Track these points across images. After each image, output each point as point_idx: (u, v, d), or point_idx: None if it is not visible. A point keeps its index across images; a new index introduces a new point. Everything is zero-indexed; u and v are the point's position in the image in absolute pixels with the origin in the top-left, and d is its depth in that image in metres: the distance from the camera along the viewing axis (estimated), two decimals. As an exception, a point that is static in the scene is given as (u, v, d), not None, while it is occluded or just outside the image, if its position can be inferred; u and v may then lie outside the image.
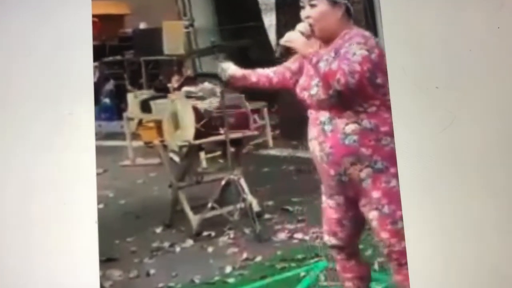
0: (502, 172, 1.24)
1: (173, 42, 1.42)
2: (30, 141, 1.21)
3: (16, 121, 1.22)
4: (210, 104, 1.41)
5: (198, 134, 1.40)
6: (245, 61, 1.41)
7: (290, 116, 1.44)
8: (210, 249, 1.29)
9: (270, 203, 1.36)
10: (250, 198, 1.35)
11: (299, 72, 1.25)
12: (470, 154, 1.24)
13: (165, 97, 1.41)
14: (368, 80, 1.16)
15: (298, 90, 1.24)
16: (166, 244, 1.29)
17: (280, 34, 1.47)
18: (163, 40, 1.41)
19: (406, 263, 1.16)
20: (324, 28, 1.21)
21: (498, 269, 1.19)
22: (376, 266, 1.23)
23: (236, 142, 1.41)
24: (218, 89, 1.40)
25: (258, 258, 1.28)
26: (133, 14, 1.42)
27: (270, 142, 1.45)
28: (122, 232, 1.26)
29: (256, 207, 1.35)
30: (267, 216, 1.35)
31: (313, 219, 1.30)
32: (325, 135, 1.19)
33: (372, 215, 1.18)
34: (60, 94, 1.23)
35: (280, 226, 1.33)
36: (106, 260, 1.19)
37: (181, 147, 1.40)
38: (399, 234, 1.17)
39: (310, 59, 1.19)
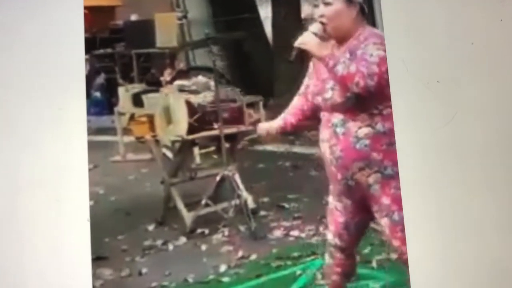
0: (505, 168, 1.25)
1: (165, 34, 1.42)
2: (20, 137, 1.20)
3: (5, 117, 1.21)
4: (204, 98, 1.40)
5: (191, 129, 1.39)
6: (239, 54, 1.42)
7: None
8: (204, 247, 1.28)
9: (266, 199, 1.36)
10: (245, 194, 1.35)
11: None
12: (472, 150, 1.24)
13: (157, 91, 1.40)
14: (386, 81, 1.17)
15: (309, 96, 1.24)
16: (158, 242, 1.28)
17: (276, 26, 1.47)
18: (155, 32, 1.40)
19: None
20: (338, 27, 1.20)
21: (499, 266, 1.19)
22: (374, 264, 1.23)
23: (230, 137, 1.40)
24: (212, 83, 1.40)
25: (253, 256, 1.27)
26: (124, 6, 1.41)
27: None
28: (113, 229, 1.24)
29: (251, 204, 1.34)
30: (262, 213, 1.34)
31: (309, 216, 1.30)
32: (337, 138, 1.18)
33: (383, 222, 1.18)
34: (50, 89, 1.22)
35: (276, 223, 1.33)
36: (97, 259, 1.18)
37: (174, 142, 1.39)
38: None
39: (327, 62, 1.18)
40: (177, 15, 1.44)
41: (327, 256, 1.24)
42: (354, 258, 1.23)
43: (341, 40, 1.21)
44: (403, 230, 1.16)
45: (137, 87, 1.41)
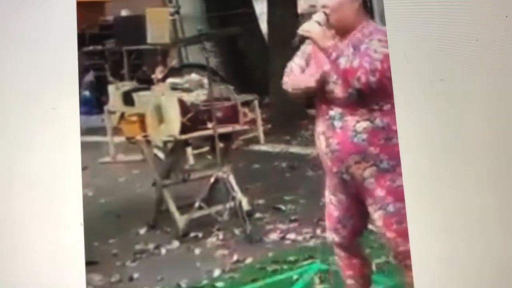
0: (510, 167, 1.24)
1: (157, 30, 1.42)
2: (12, 138, 1.19)
3: (-3, 117, 1.21)
4: (197, 96, 1.40)
5: (184, 129, 1.38)
6: (234, 51, 1.42)
7: (282, 109, 1.44)
8: (197, 251, 1.28)
9: (261, 201, 1.35)
10: (240, 196, 1.34)
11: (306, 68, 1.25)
12: (476, 149, 1.24)
13: (148, 89, 1.40)
14: (388, 79, 1.18)
15: (303, 84, 1.23)
16: (150, 246, 1.28)
17: (272, 22, 1.46)
18: (146, 28, 1.40)
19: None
20: (341, 18, 1.20)
21: (504, 265, 1.19)
22: (373, 268, 1.23)
23: (225, 137, 1.40)
24: (205, 81, 1.40)
25: (249, 260, 1.26)
26: (114, 1, 1.42)
27: (261, 137, 1.45)
28: (103, 233, 1.23)
29: (246, 206, 1.34)
30: (258, 215, 1.34)
31: (306, 218, 1.29)
32: (334, 131, 1.19)
33: (377, 215, 1.18)
34: (43, 88, 1.21)
35: (271, 226, 1.32)
36: (86, 264, 1.16)
37: (166, 142, 1.39)
38: (405, 234, 1.16)
39: (330, 53, 1.18)
40: (169, 11, 1.43)
41: (338, 260, 1.23)
42: (360, 257, 1.22)
43: (344, 32, 1.21)
44: (399, 222, 1.16)
45: (127, 85, 1.41)
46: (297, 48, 1.23)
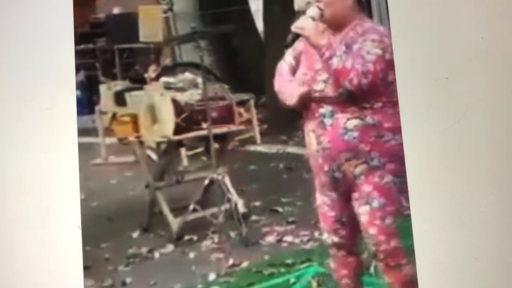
0: None
1: (150, 28, 1.40)
2: (6, 139, 1.19)
3: (-9, 118, 1.21)
4: (191, 96, 1.39)
5: (178, 129, 1.38)
6: (228, 49, 1.41)
7: (279, 109, 1.41)
8: (192, 255, 1.27)
9: (258, 203, 1.35)
10: (235, 198, 1.34)
11: (297, 67, 1.26)
12: (482, 150, 1.24)
13: (141, 88, 1.39)
14: (380, 80, 1.18)
15: (295, 84, 1.24)
16: (143, 250, 1.27)
17: (268, 19, 1.46)
18: (139, 26, 1.39)
19: (397, 266, 1.16)
20: (334, 13, 1.21)
21: (508, 266, 1.19)
22: (372, 270, 1.23)
23: (220, 138, 1.40)
24: (199, 80, 1.39)
25: (245, 264, 1.26)
26: None
27: (258, 138, 1.44)
28: (94, 237, 1.21)
29: (242, 208, 1.34)
30: (254, 218, 1.34)
31: (304, 220, 1.29)
32: (324, 129, 1.20)
33: (362, 210, 1.18)
34: (38, 88, 1.21)
35: (268, 228, 1.32)
36: (79, 268, 1.16)
37: (159, 143, 1.38)
38: (388, 231, 1.17)
39: (323, 52, 1.19)
40: (162, 8, 1.42)
41: (331, 261, 1.23)
42: (356, 255, 1.22)
43: (337, 28, 1.21)
44: (382, 218, 1.17)
45: (119, 85, 1.40)
46: (290, 45, 1.23)
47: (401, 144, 1.20)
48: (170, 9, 1.43)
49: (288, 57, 1.26)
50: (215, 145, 1.37)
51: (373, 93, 1.18)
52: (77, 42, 1.32)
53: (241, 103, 1.42)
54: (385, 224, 1.16)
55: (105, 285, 1.19)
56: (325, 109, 1.20)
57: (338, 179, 1.20)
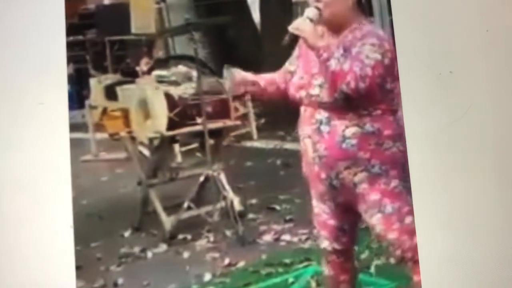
0: None
1: (142, 19, 1.40)
2: None
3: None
4: (184, 90, 1.39)
5: (171, 124, 1.37)
6: (224, 41, 1.40)
7: (276, 103, 1.41)
8: (186, 255, 1.27)
9: (254, 201, 1.34)
10: (231, 196, 1.33)
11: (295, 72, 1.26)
12: (487, 146, 1.24)
13: (133, 82, 1.39)
14: (378, 86, 1.18)
15: (292, 88, 1.24)
16: (135, 250, 1.26)
17: (265, 10, 1.46)
18: (130, 17, 1.38)
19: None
20: (334, 14, 1.20)
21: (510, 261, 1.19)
22: (372, 270, 1.23)
23: (215, 133, 1.39)
24: (193, 73, 1.39)
25: (241, 264, 1.26)
26: None
27: (254, 133, 1.43)
28: (85, 236, 1.20)
29: (238, 206, 1.33)
30: (250, 216, 1.33)
31: (302, 218, 1.28)
32: (321, 136, 1.19)
33: (375, 220, 1.18)
34: (29, 82, 1.20)
35: (265, 227, 1.31)
36: (68, 269, 1.15)
37: (151, 139, 1.37)
38: (409, 230, 1.17)
39: (320, 54, 1.18)
40: None
41: (324, 267, 1.23)
42: (352, 261, 1.23)
43: (336, 30, 1.21)
44: (400, 220, 1.17)
45: (110, 78, 1.39)
46: (288, 46, 1.22)
47: (403, 151, 1.20)
48: (163, 0, 1.43)
49: (290, 66, 1.26)
50: (210, 141, 1.37)
51: (370, 98, 1.17)
52: (67, 34, 1.30)
53: (237, 97, 1.40)
54: (405, 224, 1.17)
55: (96, 286, 1.19)
56: (322, 115, 1.19)
57: (336, 188, 1.19)
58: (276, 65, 1.39)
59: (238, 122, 1.41)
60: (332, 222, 1.22)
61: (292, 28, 1.20)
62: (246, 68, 1.43)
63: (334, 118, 1.18)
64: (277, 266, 1.24)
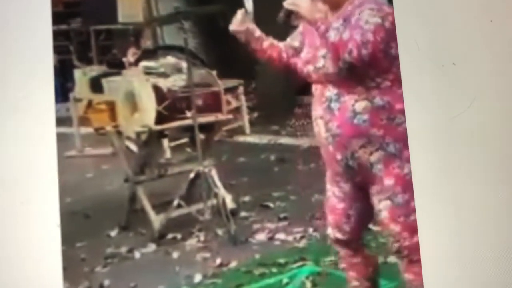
0: None
1: (129, 8, 1.39)
2: None
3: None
4: (174, 82, 1.38)
5: (160, 118, 1.36)
6: (215, 31, 1.38)
7: (270, 96, 1.43)
8: (176, 255, 1.26)
9: (247, 198, 1.34)
10: (223, 193, 1.32)
11: (301, 48, 1.26)
12: (491, 139, 1.24)
13: (119, 74, 1.37)
14: (382, 52, 1.17)
15: (299, 64, 1.24)
16: (122, 250, 1.25)
17: None
18: (117, 5, 1.37)
19: (419, 260, 1.17)
20: None
21: None
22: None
23: (206, 128, 1.38)
24: (183, 64, 1.37)
25: (233, 264, 1.25)
26: None
27: (247, 127, 1.43)
28: (69, 236, 1.17)
29: (230, 204, 1.32)
30: (243, 214, 1.33)
31: (297, 216, 1.28)
32: (332, 114, 1.19)
33: (383, 205, 1.18)
34: (13, 74, 1.19)
35: (259, 225, 1.31)
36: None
37: (139, 133, 1.37)
38: (412, 228, 1.17)
39: (318, 26, 1.19)
40: None
41: (340, 261, 1.23)
42: (362, 255, 1.23)
43: (335, 4, 1.21)
44: (406, 215, 1.17)
45: (96, 70, 1.38)
46: (283, 23, 1.22)
47: (414, 128, 1.21)
48: (151, -13, 1.44)
49: (292, 41, 1.27)
50: (201, 136, 1.36)
51: (376, 66, 1.17)
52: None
53: (229, 90, 1.41)
54: (410, 220, 1.17)
55: (81, 288, 1.21)
56: (331, 92, 1.19)
57: (353, 168, 1.19)
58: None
59: (230, 116, 1.40)
60: (341, 205, 1.22)
61: (288, 3, 1.20)
62: (238, 59, 1.43)
63: (344, 93, 1.18)
64: (271, 266, 1.24)
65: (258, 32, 1.28)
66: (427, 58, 1.26)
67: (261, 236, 1.29)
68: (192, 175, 1.33)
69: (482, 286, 1.17)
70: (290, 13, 1.21)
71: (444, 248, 1.18)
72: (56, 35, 1.29)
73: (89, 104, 1.37)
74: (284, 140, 1.39)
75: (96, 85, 1.37)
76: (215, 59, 1.43)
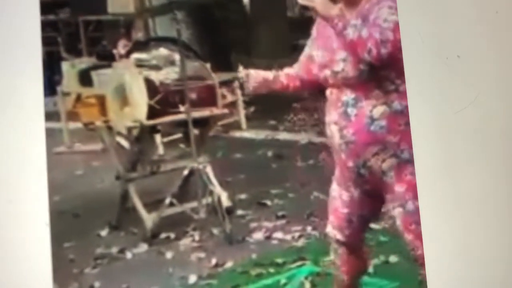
0: None
1: None
2: None
3: None
4: (166, 75, 1.37)
5: (152, 113, 1.35)
6: (210, 22, 1.38)
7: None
8: (169, 255, 1.25)
9: (244, 196, 1.34)
10: (218, 191, 1.32)
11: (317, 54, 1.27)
12: (495, 135, 1.24)
13: (109, 66, 1.36)
14: (401, 51, 1.19)
15: (315, 69, 1.25)
16: (113, 250, 1.25)
17: None
18: None
19: None
20: None
21: None
22: (371, 269, 1.24)
23: (200, 123, 1.37)
24: (176, 57, 1.36)
25: (229, 264, 1.25)
26: None
27: (243, 122, 1.42)
28: (57, 236, 1.17)
29: (226, 202, 1.32)
30: (239, 212, 1.32)
31: (295, 214, 1.29)
32: (348, 119, 1.20)
33: (396, 212, 1.19)
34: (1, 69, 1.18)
35: (255, 224, 1.31)
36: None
37: (130, 129, 1.36)
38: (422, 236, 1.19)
39: (335, 24, 1.19)
40: None
41: (335, 257, 1.25)
42: (357, 253, 1.24)
43: (351, 1, 1.21)
44: (417, 223, 1.18)
45: (85, 62, 1.37)
46: (298, 19, 1.23)
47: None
48: (143, -24, 1.43)
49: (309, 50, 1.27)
50: (195, 131, 1.35)
51: (394, 66, 1.18)
52: (36, 13, 1.29)
53: (225, 84, 1.39)
54: (420, 228, 1.18)
55: (70, 289, 1.20)
56: (348, 96, 1.19)
57: (364, 176, 1.20)
58: (266, 49, 1.41)
59: (226, 110, 1.39)
60: (345, 210, 1.23)
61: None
62: (234, 52, 1.43)
63: (361, 98, 1.18)
64: (268, 266, 1.24)
65: (269, 74, 1.29)
66: (431, 50, 1.26)
67: (258, 235, 1.28)
68: (186, 172, 1.33)
69: (486, 286, 1.18)
70: (305, 9, 1.21)
71: (448, 245, 1.18)
72: (44, 25, 1.28)
73: (78, 98, 1.36)
74: (282, 135, 1.40)
75: (85, 78, 1.36)
76: (209, 51, 1.42)
